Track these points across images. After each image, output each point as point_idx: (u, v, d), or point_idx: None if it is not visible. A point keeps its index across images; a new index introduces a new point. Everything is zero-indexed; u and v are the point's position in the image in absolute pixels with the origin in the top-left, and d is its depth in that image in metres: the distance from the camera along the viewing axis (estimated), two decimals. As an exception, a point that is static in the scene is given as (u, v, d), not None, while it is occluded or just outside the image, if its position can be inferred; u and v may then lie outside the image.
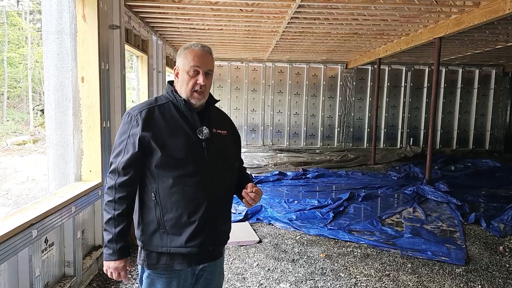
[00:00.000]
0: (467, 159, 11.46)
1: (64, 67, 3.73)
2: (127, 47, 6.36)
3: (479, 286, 3.81)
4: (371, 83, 12.98)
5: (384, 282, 3.88)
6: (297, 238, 5.06)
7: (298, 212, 5.86)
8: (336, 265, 4.25)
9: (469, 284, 3.85)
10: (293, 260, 4.37)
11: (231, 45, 9.81)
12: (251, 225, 5.43)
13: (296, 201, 6.60)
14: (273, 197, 6.91)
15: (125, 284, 3.70)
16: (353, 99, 13.14)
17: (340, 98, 13.08)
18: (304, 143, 13.18)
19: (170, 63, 9.98)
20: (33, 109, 22.11)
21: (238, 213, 5.77)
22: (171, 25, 7.58)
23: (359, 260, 4.38)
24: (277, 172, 8.71)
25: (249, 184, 1.98)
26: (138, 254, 1.91)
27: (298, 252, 4.60)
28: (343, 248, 4.72)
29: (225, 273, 3.95)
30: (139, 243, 1.89)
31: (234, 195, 2.07)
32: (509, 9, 5.14)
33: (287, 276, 3.97)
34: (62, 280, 3.32)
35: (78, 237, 3.48)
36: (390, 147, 13.25)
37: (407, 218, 5.88)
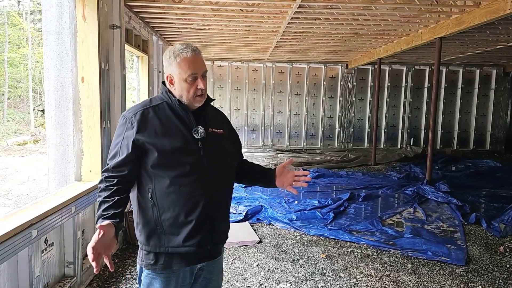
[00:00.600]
0: (468, 159, 11.45)
1: (64, 67, 3.74)
2: (127, 47, 6.36)
3: (480, 287, 3.81)
4: (372, 83, 12.97)
5: (385, 282, 3.87)
6: (297, 238, 5.06)
7: (299, 212, 5.86)
8: (336, 265, 4.25)
9: (470, 284, 3.85)
10: (293, 260, 4.37)
11: (231, 45, 9.80)
12: (251, 225, 5.42)
13: (296, 201, 6.59)
14: (274, 197, 6.91)
15: (125, 285, 3.70)
16: (354, 99, 13.12)
17: (341, 98, 13.07)
18: (305, 143, 13.17)
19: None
20: (33, 109, 22.13)
21: (238, 213, 5.77)
22: (172, 25, 7.58)
23: (360, 261, 4.38)
24: (277, 172, 8.69)
25: (280, 166, 2.11)
26: (138, 254, 1.92)
27: (298, 252, 4.60)
28: (344, 249, 4.72)
29: (225, 273, 3.95)
30: (138, 243, 1.90)
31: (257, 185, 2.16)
32: (509, 9, 5.13)
33: (287, 276, 3.97)
34: (62, 280, 3.32)
35: (78, 237, 3.48)
36: (391, 147, 13.23)
37: (408, 219, 5.87)
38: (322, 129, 13.17)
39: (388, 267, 4.22)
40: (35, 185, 8.83)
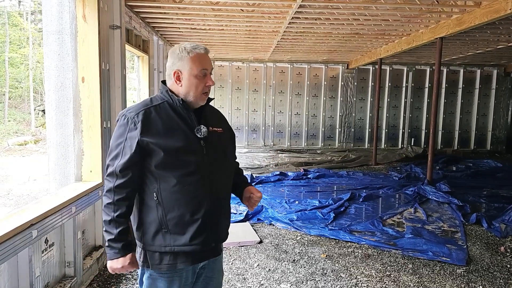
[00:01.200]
0: (469, 159, 11.43)
1: (65, 67, 3.73)
2: (128, 47, 6.36)
3: (480, 287, 3.80)
4: (372, 83, 12.96)
5: (385, 282, 3.87)
6: (298, 238, 5.06)
7: (299, 213, 5.85)
8: (337, 265, 4.25)
9: (470, 284, 3.84)
10: (294, 260, 4.36)
11: (232, 45, 9.81)
12: (252, 226, 5.42)
13: (297, 202, 6.59)
14: (274, 197, 6.90)
15: (126, 285, 3.69)
16: (354, 99, 13.12)
17: (341, 99, 13.07)
18: (305, 144, 13.17)
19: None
20: (34, 110, 22.15)
21: (239, 214, 5.76)
22: (172, 25, 7.58)
23: (360, 261, 4.37)
24: (278, 173, 8.71)
25: (251, 188, 2.10)
26: (138, 255, 1.91)
27: (299, 252, 4.59)
28: (344, 249, 4.71)
29: (225, 273, 3.95)
30: (139, 244, 1.89)
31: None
32: (510, 9, 5.12)
33: (287, 276, 3.97)
34: (63, 281, 3.31)
35: (79, 237, 3.48)
36: (391, 147, 13.22)
37: (408, 219, 5.87)
38: (323, 129, 13.16)
39: (388, 267, 4.22)
40: (36, 185, 8.83)
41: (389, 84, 13.12)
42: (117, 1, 4.31)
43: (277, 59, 12.42)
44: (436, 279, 3.94)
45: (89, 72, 3.83)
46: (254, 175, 8.42)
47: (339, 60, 12.64)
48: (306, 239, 5.04)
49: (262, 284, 3.79)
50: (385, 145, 13.25)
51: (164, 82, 1.97)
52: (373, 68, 12.79)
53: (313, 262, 4.32)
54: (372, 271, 4.12)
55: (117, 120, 1.88)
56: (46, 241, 3.07)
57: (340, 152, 12.77)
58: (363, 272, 4.09)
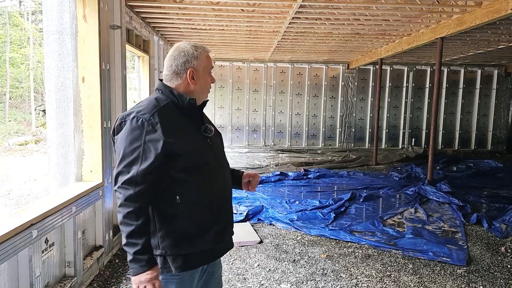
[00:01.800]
0: (469, 159, 11.42)
1: (65, 67, 3.74)
2: (128, 47, 6.37)
3: (481, 287, 3.80)
4: (373, 84, 12.96)
5: (385, 282, 3.86)
6: (298, 238, 5.05)
7: (299, 213, 5.85)
8: (337, 265, 4.24)
9: (471, 285, 3.84)
10: (294, 260, 4.36)
11: (232, 45, 9.81)
12: (252, 226, 5.42)
13: (297, 202, 6.59)
14: (274, 197, 6.90)
15: (126, 285, 3.69)
16: (355, 99, 13.11)
17: (342, 99, 13.06)
18: (306, 144, 13.17)
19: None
20: (35, 109, 22.16)
21: (239, 214, 5.76)
22: (173, 25, 7.58)
23: (360, 261, 4.37)
24: (278, 173, 8.71)
25: (246, 174, 2.16)
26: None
27: (299, 252, 4.59)
28: (344, 249, 4.71)
29: (226, 273, 3.96)
30: (157, 251, 1.80)
31: None
32: (511, 9, 5.12)
33: (288, 276, 3.96)
34: (63, 281, 3.31)
35: (79, 237, 3.48)
36: (392, 147, 13.22)
37: (409, 219, 5.86)
38: (323, 129, 13.16)
39: (389, 267, 4.22)
40: (36, 185, 8.84)
41: (390, 84, 13.11)
42: (118, 1, 4.32)
43: (278, 59, 12.42)
44: (437, 279, 3.94)
45: (89, 72, 3.84)
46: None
47: (340, 60, 12.63)
48: (307, 239, 5.04)
49: (262, 284, 3.79)
50: (386, 145, 13.24)
51: (161, 80, 1.94)
52: (374, 68, 12.78)
53: (314, 262, 4.31)
54: (373, 271, 4.12)
55: (122, 123, 1.78)
56: (46, 241, 3.07)
57: (340, 152, 12.76)
58: (364, 272, 4.09)
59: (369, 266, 4.25)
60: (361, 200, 6.79)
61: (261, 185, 7.94)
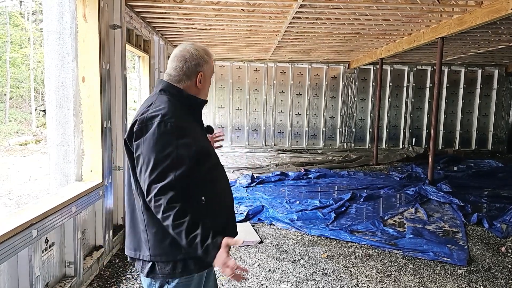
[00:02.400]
0: (470, 159, 11.41)
1: (65, 67, 3.73)
2: (128, 47, 6.36)
3: (481, 287, 3.79)
4: (373, 83, 12.95)
5: (386, 282, 3.86)
6: (298, 238, 5.05)
7: (300, 213, 5.84)
8: (338, 265, 4.24)
9: (471, 285, 3.83)
10: (294, 260, 4.36)
11: (233, 45, 9.80)
12: (253, 226, 5.42)
13: (297, 202, 6.58)
14: (275, 197, 6.90)
15: (126, 285, 3.69)
16: (355, 99, 13.11)
17: (342, 98, 13.06)
18: (306, 144, 13.16)
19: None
20: (35, 109, 22.16)
21: (240, 213, 5.76)
22: (173, 25, 7.58)
23: (361, 261, 4.37)
24: (279, 173, 8.70)
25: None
26: (168, 269, 1.78)
27: (299, 252, 4.59)
28: (345, 249, 4.71)
29: (226, 273, 3.95)
30: (170, 257, 1.76)
31: None
32: (511, 9, 5.11)
33: (288, 276, 3.96)
34: (63, 281, 3.31)
35: (79, 237, 3.47)
36: (393, 147, 13.21)
37: (409, 219, 5.86)
38: (324, 129, 13.15)
39: (389, 267, 4.21)
40: (37, 185, 8.84)
41: (390, 84, 13.10)
42: (118, 1, 4.32)
43: (278, 59, 12.42)
44: (437, 279, 3.93)
45: (89, 71, 3.83)
46: (255, 175, 8.42)
47: (340, 60, 12.63)
48: (307, 239, 5.03)
49: (262, 284, 3.78)
50: (386, 145, 13.23)
51: (164, 81, 1.90)
52: (374, 68, 12.78)
53: (314, 262, 4.31)
54: (373, 271, 4.12)
55: (143, 128, 1.70)
56: (46, 241, 3.07)
57: (341, 152, 12.76)
58: (364, 272, 4.08)
59: (369, 266, 4.24)
60: (362, 200, 6.78)
61: (261, 185, 7.94)
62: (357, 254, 4.56)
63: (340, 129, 13.16)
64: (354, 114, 13.16)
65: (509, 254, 4.61)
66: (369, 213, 6.22)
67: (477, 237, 5.17)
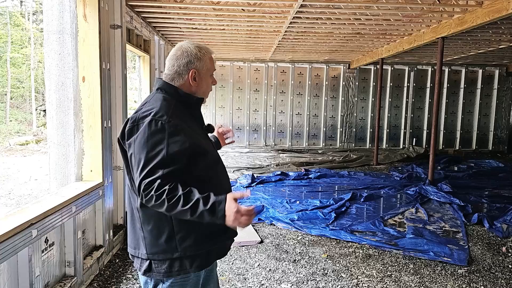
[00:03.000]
0: (470, 159, 11.41)
1: (65, 67, 3.73)
2: (129, 47, 6.36)
3: (482, 287, 3.79)
4: (374, 83, 12.95)
5: (386, 282, 3.86)
6: (298, 238, 5.05)
7: (300, 213, 5.84)
8: (338, 265, 4.24)
9: (472, 285, 3.83)
10: (295, 260, 4.35)
11: (233, 45, 9.80)
12: (253, 225, 5.41)
13: (298, 202, 6.58)
14: (275, 197, 6.90)
15: (126, 285, 3.69)
16: (356, 99, 13.10)
17: (343, 98, 13.05)
18: (307, 144, 13.16)
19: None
20: (36, 109, 22.17)
21: (240, 213, 5.74)
22: (173, 25, 7.58)
23: (361, 261, 4.36)
24: (279, 173, 8.70)
25: (216, 135, 2.30)
26: (152, 267, 1.78)
27: (299, 252, 4.58)
28: (345, 249, 4.70)
29: (226, 273, 3.96)
30: (167, 255, 1.76)
31: None
32: (512, 9, 5.11)
33: (288, 276, 3.96)
34: (63, 280, 3.31)
35: (79, 237, 3.47)
36: (393, 147, 13.21)
37: (410, 219, 5.85)
38: (324, 129, 13.15)
39: (389, 267, 4.21)
40: (37, 185, 8.84)
41: (391, 84, 13.10)
42: (118, 1, 4.32)
43: (278, 59, 12.42)
44: (438, 279, 3.93)
45: (89, 71, 3.83)
46: (255, 175, 8.42)
47: (341, 60, 12.63)
48: (307, 239, 5.03)
49: (262, 284, 3.78)
50: (387, 145, 13.23)
51: (162, 80, 1.91)
52: (375, 68, 12.78)
53: (314, 262, 4.31)
54: (373, 271, 4.11)
55: (134, 127, 1.72)
56: (46, 240, 3.07)
57: (341, 152, 12.75)
58: (364, 272, 4.08)
59: (369, 266, 4.24)
60: (362, 200, 6.78)
61: (261, 185, 7.94)
62: (357, 254, 4.56)
63: (341, 129, 13.15)
64: (355, 114, 13.15)
65: (509, 254, 4.61)
66: (370, 213, 6.22)
67: (477, 237, 5.17)
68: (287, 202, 6.50)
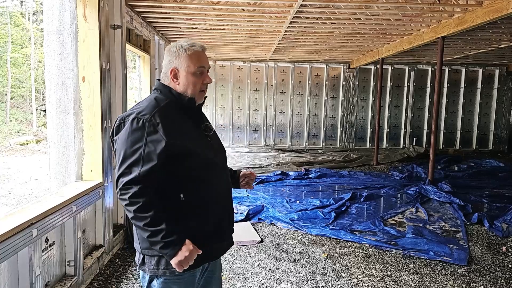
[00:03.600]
0: (470, 159, 11.41)
1: (66, 67, 3.74)
2: (129, 47, 6.37)
3: (482, 287, 3.79)
4: (374, 83, 12.95)
5: (386, 282, 3.86)
6: (298, 238, 5.05)
7: (300, 212, 5.84)
8: (338, 265, 4.24)
9: (472, 284, 3.83)
10: (295, 260, 4.36)
11: (233, 45, 9.81)
12: (253, 225, 5.42)
13: (298, 201, 6.58)
14: (275, 197, 6.90)
15: (126, 284, 3.69)
16: (356, 99, 13.11)
17: (343, 98, 13.06)
18: (307, 143, 13.16)
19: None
20: (36, 109, 22.18)
21: (240, 213, 5.76)
22: (173, 25, 7.59)
23: (361, 260, 4.36)
24: (279, 172, 8.70)
25: (242, 174, 2.17)
26: (153, 264, 1.80)
27: (299, 252, 4.59)
28: (345, 248, 4.71)
29: (226, 272, 3.96)
30: (154, 252, 1.79)
31: None
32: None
33: (288, 276, 3.96)
34: (63, 280, 3.31)
35: (79, 236, 3.48)
36: (393, 147, 13.21)
37: (410, 218, 5.85)
38: (324, 129, 13.16)
39: (389, 267, 4.21)
40: (37, 184, 8.85)
41: (391, 83, 13.10)
42: (118, 1, 4.32)
43: (279, 58, 12.42)
44: (437, 279, 3.93)
45: (89, 71, 3.84)
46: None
47: (341, 60, 12.63)
48: (307, 238, 5.03)
49: (262, 284, 3.79)
50: (387, 145, 13.24)
51: (159, 80, 1.94)
52: (375, 67, 12.78)
53: (314, 262, 4.31)
54: (373, 270, 4.12)
55: (121, 124, 1.77)
56: (47, 240, 3.07)
57: (341, 151, 12.76)
58: (364, 272, 4.08)
59: (369, 265, 4.24)
60: (362, 199, 6.78)
61: (261, 184, 7.94)
62: (357, 253, 4.56)
63: (341, 129, 13.16)
64: (355, 114, 13.15)
65: (509, 254, 4.61)
66: (370, 212, 6.22)
67: (477, 236, 5.17)
68: (287, 201, 6.50)
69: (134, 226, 1.82)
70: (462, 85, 13.23)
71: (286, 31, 7.74)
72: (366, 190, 7.46)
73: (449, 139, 13.43)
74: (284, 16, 6.72)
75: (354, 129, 13.20)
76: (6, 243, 2.34)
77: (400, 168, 10.02)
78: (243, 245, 4.73)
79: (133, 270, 3.97)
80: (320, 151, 12.98)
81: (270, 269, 4.11)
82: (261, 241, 4.88)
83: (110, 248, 4.21)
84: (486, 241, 4.99)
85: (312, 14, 6.58)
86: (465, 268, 4.19)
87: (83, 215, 3.74)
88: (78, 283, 3.42)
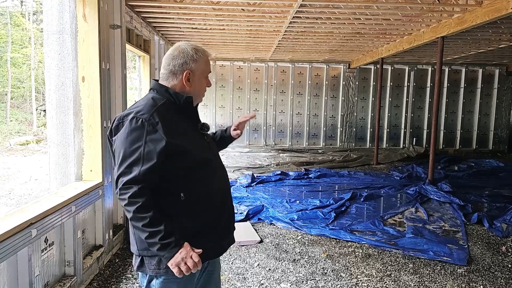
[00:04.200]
0: (470, 159, 11.40)
1: (65, 67, 3.74)
2: (129, 47, 6.37)
3: (481, 287, 3.79)
4: (374, 83, 12.95)
5: (386, 282, 3.86)
6: (298, 238, 5.05)
7: (300, 212, 5.84)
8: (337, 265, 4.24)
9: (471, 284, 3.83)
10: (294, 260, 4.36)
11: (233, 45, 9.80)
12: (253, 225, 5.42)
13: (298, 201, 6.58)
14: (275, 197, 6.90)
15: (126, 284, 3.70)
16: (356, 99, 13.10)
17: (343, 98, 13.05)
18: (307, 143, 13.16)
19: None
20: (36, 109, 22.18)
21: (240, 213, 5.76)
22: (173, 25, 7.58)
23: (361, 260, 4.37)
24: (279, 172, 8.70)
25: (235, 127, 2.25)
26: (153, 264, 1.80)
27: (299, 252, 4.59)
28: (345, 248, 4.71)
29: (226, 272, 3.96)
30: (150, 252, 1.78)
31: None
32: (511, 8, 5.10)
33: (288, 276, 3.96)
34: (62, 280, 3.32)
35: (79, 236, 3.48)
36: (393, 147, 13.21)
37: (409, 218, 5.85)
38: (324, 128, 13.15)
39: (389, 267, 4.21)
40: (37, 184, 8.85)
41: (391, 83, 13.10)
42: (118, 1, 4.32)
43: (279, 58, 12.42)
44: (437, 279, 3.93)
45: (89, 71, 3.84)
46: (255, 175, 8.42)
47: (341, 60, 12.62)
48: (307, 238, 5.03)
49: (262, 284, 3.79)
50: (387, 145, 13.23)
51: (156, 80, 1.94)
52: (375, 67, 12.77)
53: (314, 262, 4.31)
54: (373, 270, 4.12)
55: (119, 124, 1.77)
56: (46, 240, 3.08)
57: (341, 151, 12.75)
58: (364, 272, 4.08)
59: (369, 265, 4.24)
60: (362, 199, 6.78)
61: (261, 184, 7.94)
62: (357, 253, 4.56)
63: (341, 129, 13.15)
64: (355, 114, 13.15)
65: (509, 254, 4.61)
66: (369, 212, 6.22)
67: (477, 236, 5.17)
68: (287, 201, 6.50)
69: (131, 228, 1.82)
70: (462, 85, 13.23)
71: (286, 31, 7.74)
72: (366, 190, 7.45)
73: (449, 139, 13.42)
74: (284, 16, 6.72)
75: (354, 129, 13.20)
76: (6, 243, 2.34)
77: (400, 168, 10.02)
78: (243, 245, 4.73)
79: (132, 270, 3.96)
80: (320, 151, 12.97)
81: (269, 269, 4.12)
82: (261, 241, 4.88)
83: (109, 248, 4.22)
84: (485, 241, 5.00)
85: (312, 14, 6.58)
86: (465, 268, 4.19)
87: (83, 215, 3.74)
88: (77, 283, 3.42)
